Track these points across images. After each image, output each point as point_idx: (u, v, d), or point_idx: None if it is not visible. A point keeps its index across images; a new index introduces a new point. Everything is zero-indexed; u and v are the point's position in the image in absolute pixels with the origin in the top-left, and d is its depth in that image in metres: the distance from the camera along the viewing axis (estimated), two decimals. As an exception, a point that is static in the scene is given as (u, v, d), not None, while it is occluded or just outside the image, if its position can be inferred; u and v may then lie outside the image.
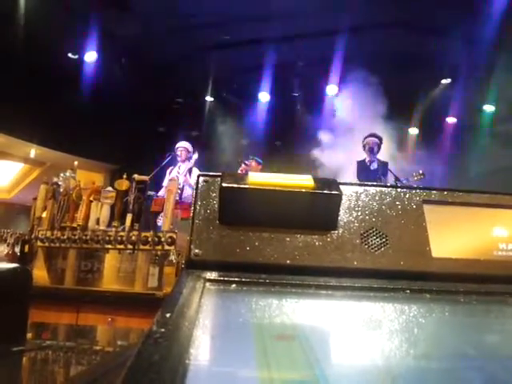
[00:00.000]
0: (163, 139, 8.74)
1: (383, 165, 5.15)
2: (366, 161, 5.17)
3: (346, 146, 6.46)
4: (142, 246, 2.81)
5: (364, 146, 5.21)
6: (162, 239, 2.78)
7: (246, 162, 5.44)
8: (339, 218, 0.58)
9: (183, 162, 5.41)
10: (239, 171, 5.28)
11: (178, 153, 5.48)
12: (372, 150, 5.13)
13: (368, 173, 5.01)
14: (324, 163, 6.89)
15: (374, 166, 5.11)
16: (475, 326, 0.48)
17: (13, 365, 0.88)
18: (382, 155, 5.39)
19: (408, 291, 0.52)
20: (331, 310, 0.49)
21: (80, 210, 2.99)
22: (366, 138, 5.25)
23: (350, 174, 5.25)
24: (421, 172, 5.14)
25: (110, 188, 3.08)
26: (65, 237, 2.93)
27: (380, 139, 5.28)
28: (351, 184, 0.61)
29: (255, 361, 0.34)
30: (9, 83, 6.12)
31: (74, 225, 2.97)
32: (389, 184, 0.66)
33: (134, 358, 0.31)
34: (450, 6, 5.58)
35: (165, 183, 4.89)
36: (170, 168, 5.45)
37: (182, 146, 5.53)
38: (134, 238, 2.81)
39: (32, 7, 6.01)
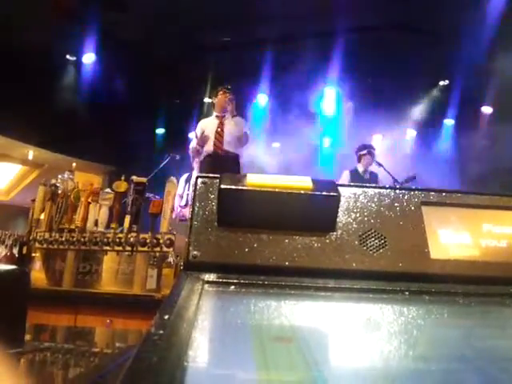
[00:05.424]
0: (161, 140, 8.78)
1: (374, 175, 5.24)
2: (360, 171, 5.20)
3: (344, 148, 6.50)
4: (140, 248, 2.80)
5: (359, 157, 5.24)
6: (161, 241, 2.78)
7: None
8: (338, 219, 0.57)
9: None
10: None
11: None
12: (367, 162, 5.18)
13: (361, 182, 5.01)
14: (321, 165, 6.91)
15: (367, 176, 5.16)
16: (474, 327, 0.48)
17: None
18: (380, 158, 5.44)
19: (407, 293, 0.52)
20: (330, 311, 0.49)
21: (78, 212, 2.98)
22: (360, 149, 5.29)
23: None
24: (411, 175, 5.14)
25: (108, 190, 3.07)
26: (63, 238, 2.93)
27: (374, 149, 5.35)
28: (349, 185, 0.61)
29: (254, 363, 0.33)
30: (6, 85, 6.11)
31: (73, 226, 2.96)
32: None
33: (132, 359, 0.31)
34: (447, 8, 5.61)
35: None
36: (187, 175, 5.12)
37: None
38: (132, 239, 2.81)
39: (29, 9, 6.00)
